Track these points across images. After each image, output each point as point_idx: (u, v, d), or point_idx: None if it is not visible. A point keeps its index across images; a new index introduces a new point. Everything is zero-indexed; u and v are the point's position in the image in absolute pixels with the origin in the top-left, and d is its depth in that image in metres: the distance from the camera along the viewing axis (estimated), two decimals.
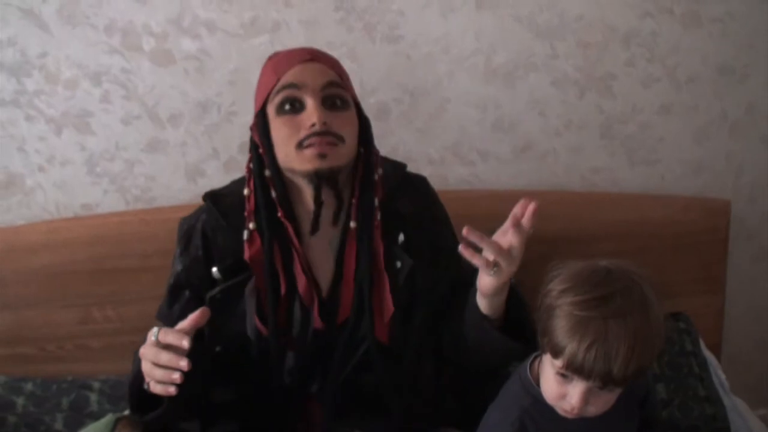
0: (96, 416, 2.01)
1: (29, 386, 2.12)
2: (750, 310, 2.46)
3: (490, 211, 2.11)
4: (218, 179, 2.18)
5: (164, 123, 2.15)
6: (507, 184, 2.25)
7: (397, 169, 1.65)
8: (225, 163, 2.18)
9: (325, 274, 1.57)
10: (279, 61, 1.51)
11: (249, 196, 1.53)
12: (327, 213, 1.51)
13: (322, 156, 1.43)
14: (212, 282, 1.55)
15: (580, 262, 1.36)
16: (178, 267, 1.61)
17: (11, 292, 2.14)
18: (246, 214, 1.52)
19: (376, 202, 1.52)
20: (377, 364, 1.53)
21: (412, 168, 2.13)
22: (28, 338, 2.17)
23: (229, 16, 2.05)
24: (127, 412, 1.57)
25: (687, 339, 2.13)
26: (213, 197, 1.60)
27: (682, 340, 2.13)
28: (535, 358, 1.47)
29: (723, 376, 2.07)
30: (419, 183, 1.69)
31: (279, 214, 1.51)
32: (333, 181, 1.47)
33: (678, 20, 2.10)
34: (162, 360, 1.31)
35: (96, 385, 2.12)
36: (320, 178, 1.45)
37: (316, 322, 1.55)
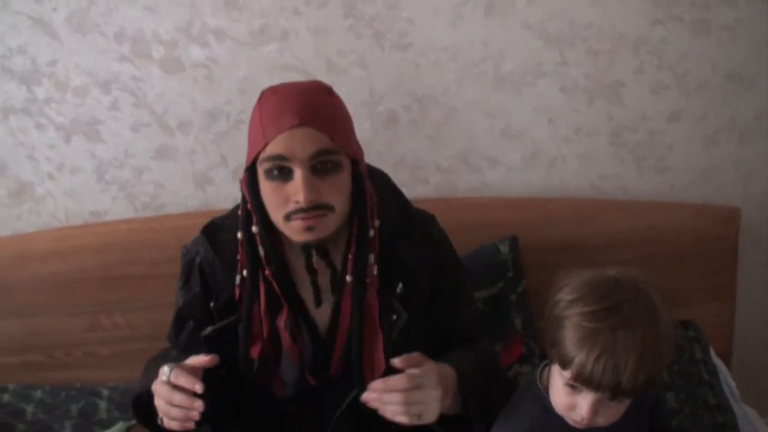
0: (105, 424, 2.01)
1: (38, 394, 2.12)
2: (760, 318, 2.44)
3: (499, 218, 2.14)
4: (226, 187, 2.19)
5: (173, 130, 2.16)
6: (516, 191, 2.24)
7: (401, 208, 1.57)
8: (233, 171, 2.18)
9: (324, 319, 1.53)
10: (267, 121, 1.39)
11: (242, 242, 1.48)
12: (323, 280, 1.47)
13: (309, 228, 1.38)
14: (212, 315, 1.54)
15: (588, 272, 1.35)
16: (180, 300, 1.59)
17: (21, 300, 2.14)
18: (239, 257, 1.49)
19: (372, 258, 1.47)
20: (366, 417, 1.45)
21: (420, 176, 2.15)
22: (38, 346, 2.18)
23: (238, 24, 2.06)
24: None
25: (697, 347, 2.13)
26: (211, 231, 1.56)
27: (692, 348, 2.12)
28: (545, 366, 1.46)
29: (733, 384, 2.06)
30: (424, 226, 1.60)
31: (267, 273, 1.46)
32: (323, 251, 1.43)
33: (687, 28, 2.10)
34: (175, 401, 1.31)
35: (105, 392, 2.12)
36: (309, 250, 1.42)
37: (309, 379, 1.53)
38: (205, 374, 1.36)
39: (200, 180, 2.21)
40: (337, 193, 1.40)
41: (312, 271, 1.44)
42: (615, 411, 1.34)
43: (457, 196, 2.22)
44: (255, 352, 1.49)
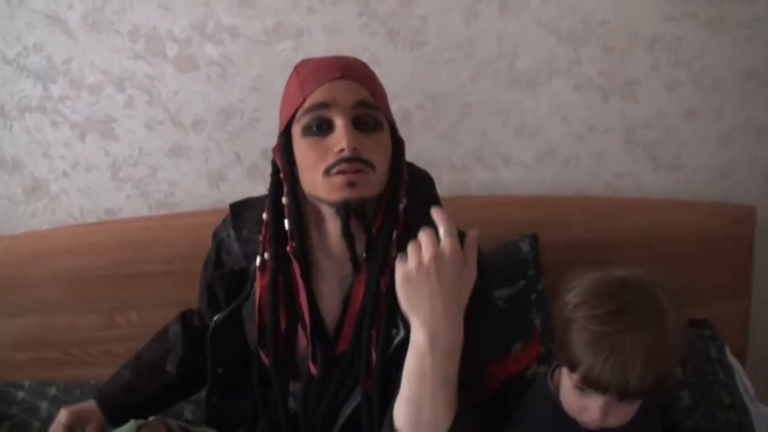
0: None
1: (53, 391, 2.13)
2: None
3: (513, 217, 2.13)
4: (240, 185, 2.19)
5: (187, 128, 2.16)
6: (530, 190, 2.24)
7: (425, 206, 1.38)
8: (248, 169, 2.19)
9: (332, 311, 1.45)
10: (306, 78, 1.36)
11: (266, 223, 1.43)
12: (359, 248, 1.38)
13: (351, 185, 1.29)
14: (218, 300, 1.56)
15: (596, 273, 1.35)
16: (206, 276, 1.62)
17: (37, 296, 2.16)
18: (261, 239, 1.44)
19: (395, 235, 1.37)
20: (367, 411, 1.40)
21: (433, 175, 2.11)
22: (53, 342, 2.20)
23: (252, 22, 2.06)
24: (151, 419, 1.58)
25: (712, 346, 2.11)
26: (238, 206, 1.55)
27: (707, 347, 2.11)
28: (556, 367, 1.46)
29: (749, 384, 2.05)
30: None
31: (288, 248, 1.40)
32: (361, 213, 1.33)
33: (703, 25, 2.09)
34: None
35: None
36: (348, 209, 1.31)
37: (312, 368, 1.45)
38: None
39: (214, 178, 2.22)
40: (380, 151, 1.34)
41: (349, 237, 1.34)
42: (625, 412, 1.34)
43: (471, 195, 2.22)
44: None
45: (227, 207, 1.57)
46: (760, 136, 2.20)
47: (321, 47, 2.07)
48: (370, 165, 1.31)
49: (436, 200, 1.49)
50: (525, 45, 2.10)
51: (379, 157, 1.33)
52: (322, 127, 1.32)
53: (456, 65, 2.11)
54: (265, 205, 1.44)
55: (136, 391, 1.71)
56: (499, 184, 2.24)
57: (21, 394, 2.13)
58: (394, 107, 2.09)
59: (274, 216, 1.41)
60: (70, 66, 2.10)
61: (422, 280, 1.21)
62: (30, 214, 2.25)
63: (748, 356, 2.29)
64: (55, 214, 2.25)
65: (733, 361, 2.10)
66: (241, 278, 1.52)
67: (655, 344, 1.26)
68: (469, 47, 2.10)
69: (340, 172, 1.30)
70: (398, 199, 1.39)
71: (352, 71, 1.36)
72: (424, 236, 1.22)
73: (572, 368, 1.31)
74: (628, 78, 2.14)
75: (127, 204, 2.24)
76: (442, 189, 2.17)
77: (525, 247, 2.08)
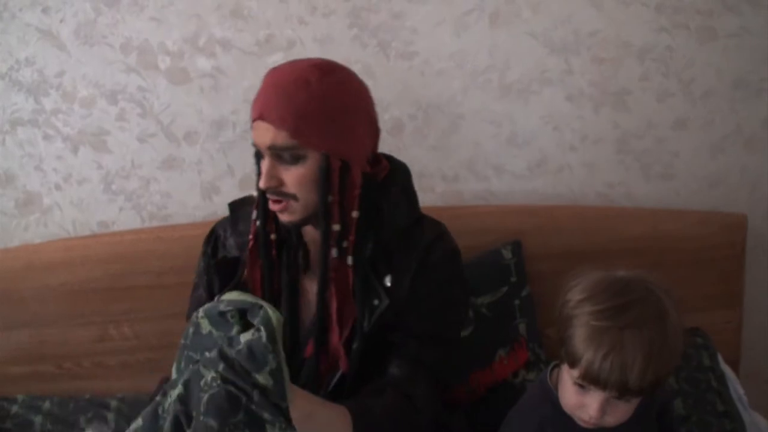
0: None
1: (47, 405, 2.12)
2: None
3: (505, 226, 2.14)
4: (233, 197, 2.16)
5: (180, 141, 2.17)
6: (522, 199, 2.24)
7: (409, 211, 1.58)
8: (240, 181, 2.19)
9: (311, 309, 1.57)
10: (252, 106, 1.49)
11: (255, 221, 1.57)
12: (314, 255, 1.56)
13: (280, 212, 1.48)
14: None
15: (599, 272, 1.37)
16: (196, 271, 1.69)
17: (30, 310, 2.15)
18: (251, 236, 1.56)
19: (334, 253, 1.48)
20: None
21: (426, 185, 2.15)
22: (46, 356, 2.18)
23: (244, 34, 2.07)
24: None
25: (705, 354, 2.12)
26: (238, 202, 1.67)
27: (700, 355, 2.12)
28: (555, 366, 1.47)
29: (742, 391, 2.06)
30: (431, 239, 1.57)
31: (273, 253, 1.56)
32: (297, 234, 1.54)
33: (693, 35, 2.10)
34: None
35: (113, 403, 2.12)
36: (289, 228, 1.52)
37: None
38: None
39: (207, 190, 2.22)
40: (297, 183, 1.45)
41: (292, 247, 1.56)
42: (623, 411, 1.35)
43: (463, 205, 2.23)
44: None
45: (221, 218, 1.62)
46: (749, 145, 2.22)
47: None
48: (291, 196, 1.46)
49: (411, 192, 1.61)
50: (516, 56, 2.11)
51: (298, 187, 1.45)
52: (258, 156, 1.51)
53: (447, 76, 2.12)
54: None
55: None
56: (491, 194, 2.25)
57: (14, 408, 2.11)
58: (386, 117, 2.11)
59: (263, 216, 1.55)
60: (63, 79, 2.10)
61: None
62: (23, 228, 2.25)
63: (741, 364, 2.30)
64: (47, 228, 2.25)
65: (725, 368, 2.11)
66: (234, 266, 1.61)
67: (656, 343, 1.27)
68: (461, 58, 2.11)
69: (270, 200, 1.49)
70: (330, 219, 1.47)
71: (268, 112, 1.43)
72: None
73: (573, 364, 1.32)
74: (619, 88, 2.15)
75: (120, 217, 2.24)
76: (435, 198, 2.21)
77: (507, 254, 2.08)
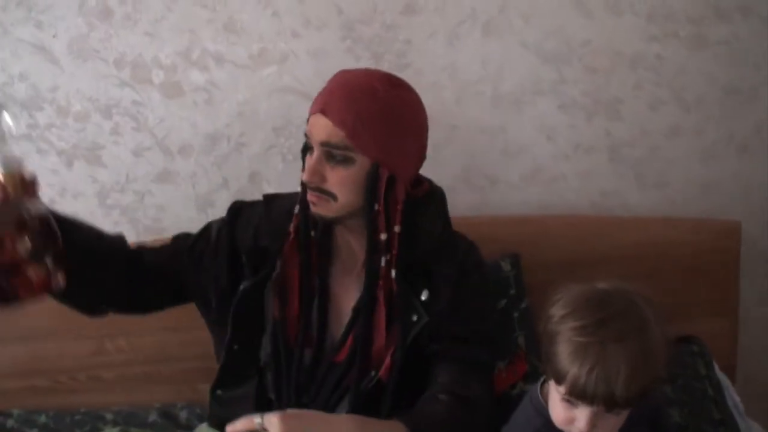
0: None
1: (43, 419, 2.11)
2: (764, 331, 2.44)
3: (500, 237, 2.14)
4: None
5: (174, 154, 2.17)
6: (517, 209, 2.25)
7: (444, 231, 1.64)
8: (235, 194, 2.19)
9: (347, 312, 1.58)
10: (314, 100, 1.51)
11: (296, 215, 1.57)
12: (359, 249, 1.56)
13: (312, 203, 1.49)
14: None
15: (580, 286, 1.37)
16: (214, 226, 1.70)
17: (25, 324, 2.14)
18: (291, 230, 1.56)
19: (383, 262, 1.50)
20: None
21: None
22: (42, 370, 2.18)
23: (237, 48, 2.08)
24: None
25: (700, 362, 2.12)
26: (270, 196, 1.67)
27: (696, 363, 2.11)
28: (545, 381, 1.47)
29: (738, 399, 2.06)
30: (464, 250, 1.66)
31: (312, 251, 1.56)
32: (328, 228, 1.56)
33: (684, 43, 2.11)
34: None
35: (109, 416, 2.11)
36: (316, 222, 1.54)
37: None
38: None
39: (202, 203, 2.22)
40: (340, 184, 1.46)
41: (312, 242, 1.56)
42: (613, 423, 1.35)
43: (458, 215, 2.22)
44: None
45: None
46: (742, 152, 2.22)
47: (306, 71, 2.09)
48: (330, 195, 1.47)
49: (445, 214, 1.67)
50: (509, 66, 2.12)
51: (340, 188, 1.46)
52: (305, 151, 1.51)
53: (441, 87, 2.13)
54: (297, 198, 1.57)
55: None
56: (486, 204, 2.25)
57: (10, 423, 2.11)
58: None
59: (304, 216, 1.56)
60: (56, 94, 2.11)
61: None
62: None
63: (736, 371, 2.30)
64: None
65: (721, 376, 2.10)
66: (264, 255, 1.60)
67: (639, 353, 1.28)
68: (453, 69, 2.11)
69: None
70: (377, 228, 1.49)
71: (331, 108, 1.45)
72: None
73: (558, 380, 1.32)
74: (612, 97, 2.16)
75: (115, 230, 2.22)
76: None
77: (506, 266, 2.08)
